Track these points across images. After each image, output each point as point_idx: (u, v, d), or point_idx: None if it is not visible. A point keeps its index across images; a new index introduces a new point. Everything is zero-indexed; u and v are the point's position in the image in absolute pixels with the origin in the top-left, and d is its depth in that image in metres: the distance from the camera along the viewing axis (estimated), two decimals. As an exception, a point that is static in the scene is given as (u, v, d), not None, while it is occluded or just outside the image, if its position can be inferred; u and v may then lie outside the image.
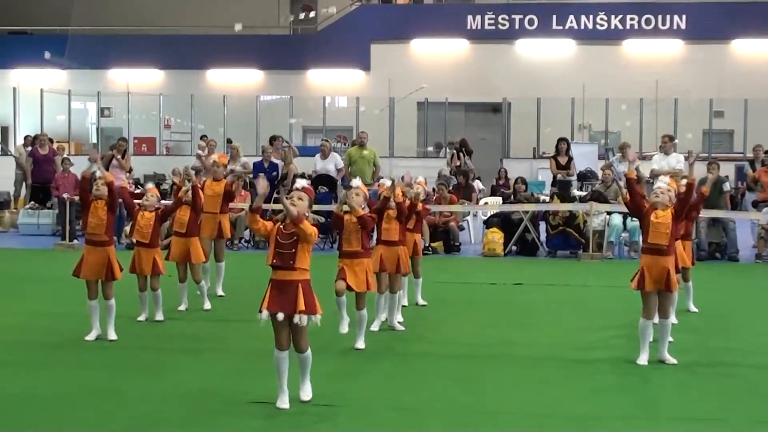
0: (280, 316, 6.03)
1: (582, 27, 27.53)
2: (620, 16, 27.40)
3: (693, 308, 10.00)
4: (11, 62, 28.82)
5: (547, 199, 17.03)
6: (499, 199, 18.49)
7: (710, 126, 25.80)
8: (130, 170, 18.16)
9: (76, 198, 16.57)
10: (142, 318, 9.27)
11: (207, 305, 10.04)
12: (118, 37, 28.50)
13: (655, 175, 14.13)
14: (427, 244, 15.11)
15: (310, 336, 6.22)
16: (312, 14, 28.50)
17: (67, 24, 28.44)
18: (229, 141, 22.58)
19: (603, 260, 14.88)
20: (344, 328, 8.27)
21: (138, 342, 8.40)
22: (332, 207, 11.98)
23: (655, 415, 6.22)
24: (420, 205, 9.68)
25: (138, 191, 15.87)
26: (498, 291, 11.87)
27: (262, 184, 6.29)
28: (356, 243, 7.87)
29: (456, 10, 28.56)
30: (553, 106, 25.03)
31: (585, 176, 17.85)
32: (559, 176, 17.50)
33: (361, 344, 8.05)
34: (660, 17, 27.25)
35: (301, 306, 6.02)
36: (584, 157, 19.51)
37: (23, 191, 21.03)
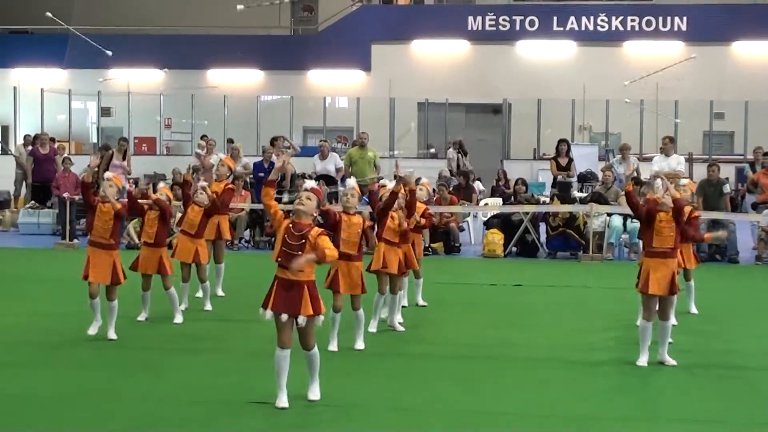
0: (284, 317, 6.04)
1: (583, 28, 27.55)
2: (621, 18, 27.42)
3: (694, 309, 9.99)
4: (12, 61, 28.84)
5: (548, 200, 17.02)
6: (500, 200, 18.50)
7: (710, 128, 25.81)
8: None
9: (77, 197, 16.59)
10: (141, 318, 9.25)
11: (208, 306, 10.05)
12: (119, 36, 28.50)
13: (655, 176, 14.11)
14: (427, 245, 15.11)
15: (310, 336, 6.24)
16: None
17: (67, 23, 28.44)
18: (230, 141, 22.59)
19: (603, 262, 14.88)
20: (333, 347, 7.95)
21: (138, 342, 8.40)
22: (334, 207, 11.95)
23: (655, 416, 6.22)
24: (423, 214, 9.67)
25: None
26: (498, 292, 11.87)
27: (283, 158, 6.40)
28: (354, 246, 7.83)
29: (457, 11, 28.56)
30: (553, 108, 25.04)
31: (585, 177, 17.83)
32: (559, 177, 17.50)
33: (360, 345, 8.04)
34: (661, 19, 27.27)
35: (308, 310, 6.03)
36: (584, 158, 19.50)
37: (23, 190, 21.04)
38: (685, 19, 27.17)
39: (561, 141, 18.11)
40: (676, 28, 27.25)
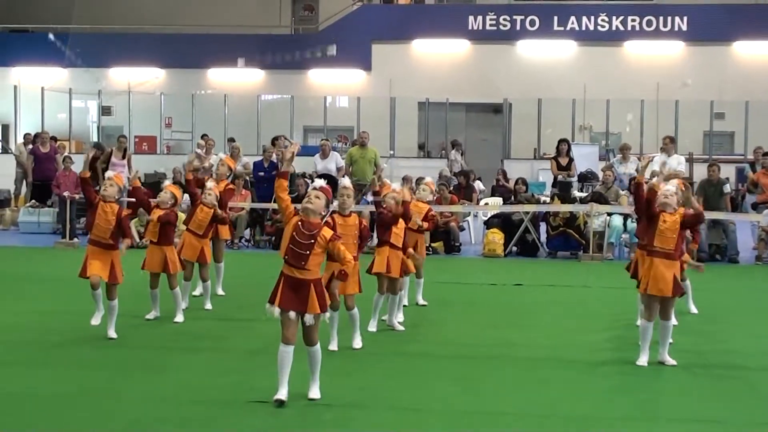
0: (292, 314, 6.09)
1: (583, 28, 27.54)
2: (621, 18, 27.42)
3: (694, 309, 9.99)
4: (12, 60, 28.83)
5: (548, 200, 17.03)
6: (500, 200, 18.50)
7: (711, 128, 25.80)
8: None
9: (77, 196, 16.59)
10: (151, 316, 9.24)
11: (208, 305, 10.05)
12: (119, 35, 28.50)
13: (655, 176, 14.10)
14: (427, 245, 15.10)
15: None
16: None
17: (68, 22, 28.46)
18: (231, 140, 22.59)
19: (603, 261, 14.89)
20: (333, 347, 7.94)
21: (138, 341, 8.39)
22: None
23: (655, 416, 6.22)
24: (427, 216, 9.69)
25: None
26: (498, 292, 11.87)
27: (292, 149, 6.44)
28: (353, 248, 7.75)
29: (457, 11, 28.55)
30: (554, 107, 25.03)
31: (585, 177, 17.83)
32: (559, 177, 17.51)
33: (357, 343, 8.04)
34: (661, 19, 27.26)
35: (315, 308, 6.09)
36: (585, 158, 19.49)
37: (24, 189, 21.04)
38: (685, 18, 27.16)
39: (561, 141, 18.12)
40: (676, 28, 27.24)
